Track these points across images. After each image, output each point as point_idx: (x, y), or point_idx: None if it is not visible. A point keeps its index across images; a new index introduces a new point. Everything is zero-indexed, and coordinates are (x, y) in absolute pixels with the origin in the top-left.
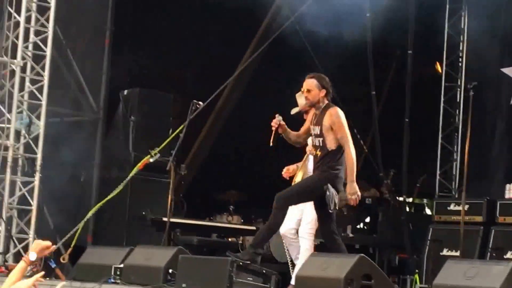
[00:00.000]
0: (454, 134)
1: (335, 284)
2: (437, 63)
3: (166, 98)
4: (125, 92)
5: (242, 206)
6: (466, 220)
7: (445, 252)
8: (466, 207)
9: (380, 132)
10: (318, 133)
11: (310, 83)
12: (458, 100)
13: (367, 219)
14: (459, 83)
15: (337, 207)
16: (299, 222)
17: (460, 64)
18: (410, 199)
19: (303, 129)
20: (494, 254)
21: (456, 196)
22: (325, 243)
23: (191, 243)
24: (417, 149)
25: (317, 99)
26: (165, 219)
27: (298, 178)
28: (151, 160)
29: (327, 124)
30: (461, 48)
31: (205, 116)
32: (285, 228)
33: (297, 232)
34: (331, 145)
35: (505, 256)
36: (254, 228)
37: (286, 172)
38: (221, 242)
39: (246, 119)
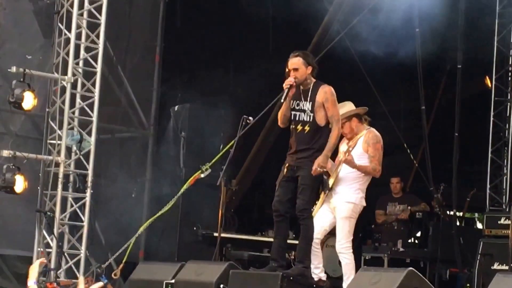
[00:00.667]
0: (503, 148)
1: None
2: (487, 78)
3: (216, 113)
4: (176, 108)
5: (293, 221)
6: None
7: (496, 266)
8: None
9: (430, 146)
10: (310, 108)
11: (296, 61)
12: (508, 114)
13: (418, 234)
14: (508, 97)
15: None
16: (325, 232)
17: (509, 78)
18: (461, 213)
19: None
20: None
21: (507, 210)
22: (285, 219)
23: (242, 258)
24: (467, 164)
25: (305, 77)
26: (216, 234)
27: (331, 181)
28: (202, 175)
29: (320, 101)
30: (510, 63)
31: (257, 131)
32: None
33: (321, 242)
34: (321, 121)
35: None
36: None
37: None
38: None
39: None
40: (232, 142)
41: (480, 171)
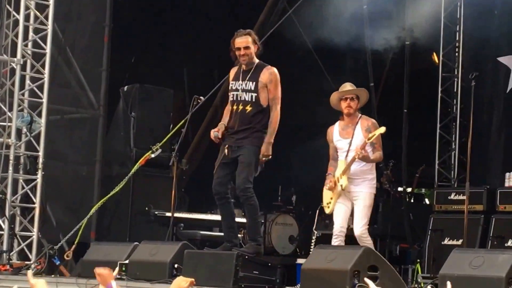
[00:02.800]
0: (452, 124)
1: (341, 276)
2: (434, 54)
3: (166, 93)
4: (125, 88)
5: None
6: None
7: (446, 241)
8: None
9: (378, 123)
10: (252, 88)
11: (246, 39)
12: (455, 90)
13: None
14: (456, 73)
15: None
16: (345, 231)
17: (456, 54)
18: (410, 190)
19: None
20: (495, 243)
21: (456, 185)
22: (227, 200)
23: (195, 238)
24: (416, 140)
25: (253, 55)
26: (168, 214)
27: (344, 182)
28: (153, 155)
29: (264, 81)
30: (457, 38)
31: (205, 111)
32: (338, 229)
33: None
34: (264, 102)
35: (506, 244)
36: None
37: (330, 184)
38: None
39: None
40: (183, 121)
41: (428, 147)
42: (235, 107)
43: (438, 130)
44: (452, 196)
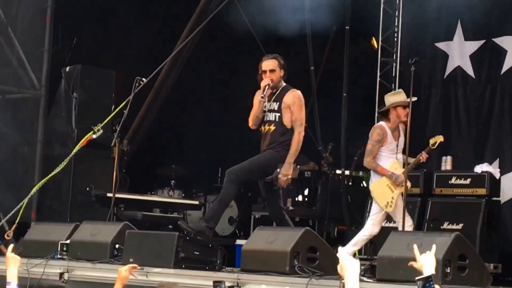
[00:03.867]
0: None
1: (281, 257)
2: (373, 39)
3: (108, 74)
4: (67, 68)
5: (183, 180)
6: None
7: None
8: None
9: (318, 106)
10: (276, 108)
11: (272, 63)
12: (393, 75)
13: (306, 192)
14: (394, 57)
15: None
16: None
17: (395, 39)
18: (348, 172)
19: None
20: (431, 225)
21: None
22: (274, 220)
23: (135, 218)
24: (355, 123)
25: (279, 79)
26: (109, 194)
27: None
28: (94, 136)
29: (287, 102)
30: (396, 24)
31: (147, 92)
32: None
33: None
34: (287, 123)
35: (442, 227)
36: (196, 202)
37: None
38: (164, 216)
39: (186, 95)
40: (124, 102)
41: (367, 131)
42: (262, 128)
43: (376, 114)
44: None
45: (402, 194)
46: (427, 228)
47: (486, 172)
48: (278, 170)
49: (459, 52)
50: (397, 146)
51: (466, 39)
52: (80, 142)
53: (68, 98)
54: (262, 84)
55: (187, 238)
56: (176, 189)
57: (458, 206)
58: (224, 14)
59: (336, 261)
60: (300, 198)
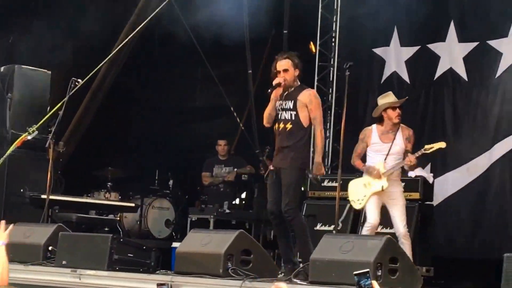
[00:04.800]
0: (327, 112)
1: (215, 259)
2: (311, 43)
3: (44, 75)
4: (2, 69)
5: (120, 183)
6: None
7: (319, 227)
8: (340, 183)
9: (256, 109)
10: (291, 107)
11: (285, 63)
12: (331, 79)
13: (243, 195)
14: (332, 62)
15: None
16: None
17: (333, 44)
18: None
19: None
20: None
21: (329, 172)
22: (279, 220)
23: (70, 220)
24: None
25: (293, 78)
26: (44, 196)
27: (385, 183)
28: (29, 137)
29: (303, 101)
30: (334, 28)
31: (84, 94)
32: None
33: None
34: (304, 121)
35: (376, 230)
36: (132, 204)
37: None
38: (99, 219)
39: (124, 97)
40: (60, 103)
41: None
42: (276, 125)
43: None
44: (325, 183)
45: (375, 193)
46: (362, 232)
47: (420, 176)
48: (310, 175)
49: (395, 57)
50: (389, 148)
51: (402, 44)
52: (15, 143)
53: (2, 98)
54: (274, 82)
55: (121, 239)
56: (112, 191)
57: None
58: (162, 16)
59: (270, 263)
60: (237, 201)
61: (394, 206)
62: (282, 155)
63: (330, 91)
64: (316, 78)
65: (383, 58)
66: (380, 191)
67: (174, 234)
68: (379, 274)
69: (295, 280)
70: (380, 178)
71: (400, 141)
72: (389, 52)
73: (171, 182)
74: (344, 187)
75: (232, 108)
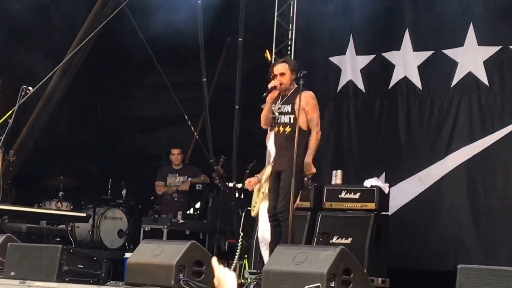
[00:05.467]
0: None
1: (167, 271)
2: (267, 51)
3: None
4: None
5: (72, 192)
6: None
7: (334, 239)
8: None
9: (211, 118)
10: (289, 110)
11: (282, 67)
12: None
13: (198, 205)
14: None
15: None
16: None
17: (288, 52)
18: (240, 185)
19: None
20: (320, 239)
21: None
22: (277, 222)
23: (20, 231)
24: (248, 136)
25: (290, 82)
26: None
27: (266, 189)
28: None
29: (301, 103)
30: (289, 36)
31: (35, 102)
32: (264, 232)
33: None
34: (303, 125)
35: (331, 241)
36: (83, 214)
37: (249, 184)
38: (50, 229)
39: (76, 105)
40: (10, 112)
41: (260, 143)
42: (276, 129)
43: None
44: None
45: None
46: (316, 242)
47: (375, 186)
48: (306, 179)
49: (351, 66)
50: None
51: (357, 53)
52: None
53: None
54: (269, 85)
55: (71, 250)
56: (64, 201)
57: (348, 220)
58: (116, 25)
59: None
60: (191, 211)
61: None
62: (282, 158)
63: None
64: None
65: (339, 67)
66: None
67: (127, 245)
68: (333, 285)
69: None
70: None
71: None
72: (345, 60)
73: (124, 191)
74: (301, 197)
75: (186, 117)
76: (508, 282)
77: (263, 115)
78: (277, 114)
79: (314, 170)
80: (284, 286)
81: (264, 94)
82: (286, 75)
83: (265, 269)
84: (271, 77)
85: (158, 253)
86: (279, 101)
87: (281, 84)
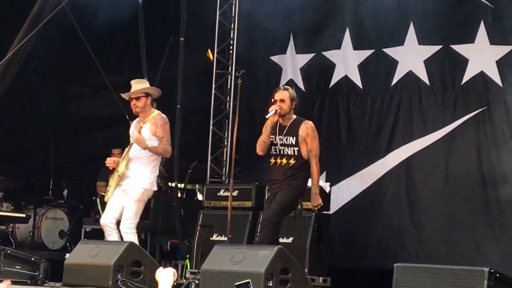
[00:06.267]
0: (224, 120)
1: (104, 271)
2: (209, 50)
3: None
4: None
5: (12, 193)
6: (235, 206)
7: (214, 237)
8: (236, 192)
9: None
10: (294, 143)
11: (284, 94)
12: (228, 87)
13: None
14: (229, 70)
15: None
16: (120, 214)
17: (231, 52)
18: (182, 185)
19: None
20: None
21: (226, 181)
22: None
23: None
24: (190, 136)
25: (289, 110)
26: None
27: (121, 168)
28: None
29: (303, 135)
30: (231, 36)
31: None
32: (106, 219)
33: (117, 223)
34: (305, 155)
35: None
36: (23, 215)
37: (111, 163)
38: None
39: (17, 104)
40: None
41: (202, 143)
42: (278, 161)
43: (211, 127)
44: (221, 192)
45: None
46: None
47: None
48: (299, 207)
49: (292, 65)
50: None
51: (297, 52)
52: None
53: None
54: (270, 109)
55: (8, 251)
56: (4, 201)
57: (289, 219)
58: (57, 24)
59: None
60: None
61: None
62: (283, 182)
63: (228, 99)
64: (213, 86)
65: (280, 66)
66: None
67: (68, 245)
68: (270, 285)
69: None
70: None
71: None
72: (285, 59)
73: (65, 191)
74: (240, 197)
75: (127, 117)
76: (443, 279)
77: (261, 140)
78: (279, 146)
79: (321, 201)
80: (222, 285)
81: (267, 116)
82: (286, 102)
83: (203, 268)
84: (272, 101)
85: (96, 254)
86: (277, 133)
87: (280, 109)
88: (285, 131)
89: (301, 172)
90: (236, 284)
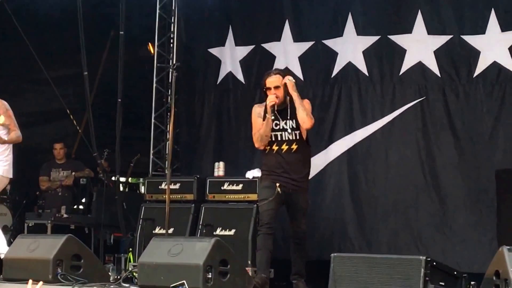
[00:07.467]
0: (166, 113)
1: (44, 265)
2: (150, 44)
3: None
4: None
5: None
6: (177, 198)
7: (157, 230)
8: (178, 185)
9: (94, 112)
10: (295, 126)
11: (277, 79)
12: (169, 81)
13: (83, 200)
14: (170, 63)
15: None
16: None
17: (171, 45)
18: (124, 179)
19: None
20: (204, 231)
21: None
22: (272, 233)
23: None
24: (131, 129)
25: (284, 94)
26: None
27: None
28: None
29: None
30: (172, 29)
31: None
32: None
33: None
34: (304, 135)
35: (215, 233)
36: None
37: None
38: None
39: None
40: None
41: (144, 136)
42: (277, 147)
43: (153, 120)
44: (163, 186)
45: None
46: (200, 234)
47: (258, 177)
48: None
49: (230, 57)
50: None
51: (237, 44)
52: None
53: None
54: (269, 103)
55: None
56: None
57: (231, 211)
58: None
59: (100, 268)
60: (75, 205)
61: None
62: (296, 178)
63: (169, 92)
64: (154, 79)
65: (219, 58)
66: None
67: (12, 240)
68: (209, 277)
69: (124, 284)
70: None
71: None
72: (224, 52)
73: (8, 186)
74: (182, 189)
75: (68, 111)
76: (381, 268)
77: (262, 133)
78: (276, 131)
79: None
80: (160, 278)
81: (272, 116)
82: (281, 88)
83: (140, 261)
84: (264, 90)
85: (34, 248)
86: (275, 118)
87: (277, 98)
88: (282, 115)
89: (307, 162)
90: (171, 286)
